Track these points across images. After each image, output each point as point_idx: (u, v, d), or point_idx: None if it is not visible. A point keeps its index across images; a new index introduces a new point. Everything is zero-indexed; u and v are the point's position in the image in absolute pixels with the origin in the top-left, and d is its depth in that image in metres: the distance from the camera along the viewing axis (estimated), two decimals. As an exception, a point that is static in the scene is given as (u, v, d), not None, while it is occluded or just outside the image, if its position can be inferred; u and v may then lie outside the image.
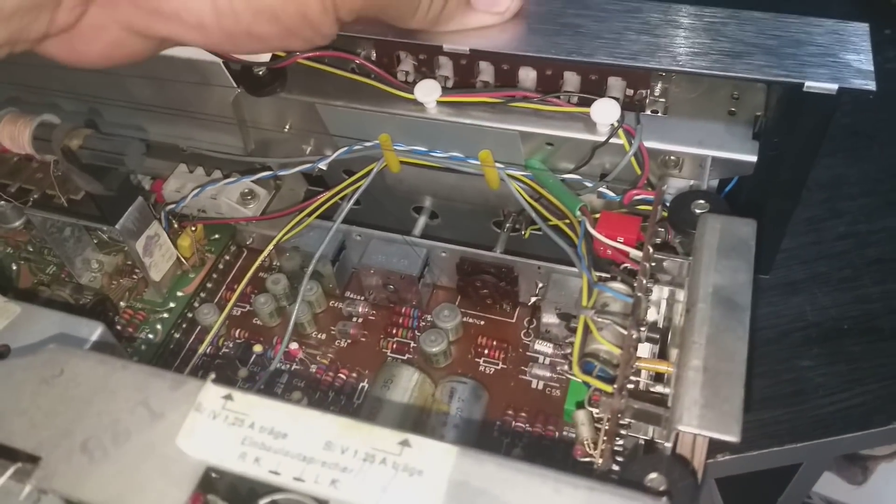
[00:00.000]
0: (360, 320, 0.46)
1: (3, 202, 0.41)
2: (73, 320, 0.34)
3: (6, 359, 0.29)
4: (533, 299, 0.42)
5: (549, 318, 0.42)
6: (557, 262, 0.42)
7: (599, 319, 0.31)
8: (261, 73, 0.41)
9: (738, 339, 0.27)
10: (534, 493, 0.23)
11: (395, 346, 0.44)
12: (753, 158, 0.35)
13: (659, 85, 0.38)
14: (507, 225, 0.44)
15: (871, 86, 0.31)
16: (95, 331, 0.33)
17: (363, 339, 0.45)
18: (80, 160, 0.36)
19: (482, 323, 0.45)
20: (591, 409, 0.30)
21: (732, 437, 0.25)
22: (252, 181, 0.46)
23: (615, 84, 0.37)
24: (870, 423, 0.43)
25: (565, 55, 0.35)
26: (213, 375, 0.26)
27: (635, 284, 0.30)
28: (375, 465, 0.24)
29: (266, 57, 0.40)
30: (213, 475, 0.25)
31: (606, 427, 0.28)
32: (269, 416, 0.26)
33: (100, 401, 0.27)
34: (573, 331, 0.33)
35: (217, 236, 0.48)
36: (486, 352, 0.43)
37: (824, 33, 0.34)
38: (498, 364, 0.43)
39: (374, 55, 0.41)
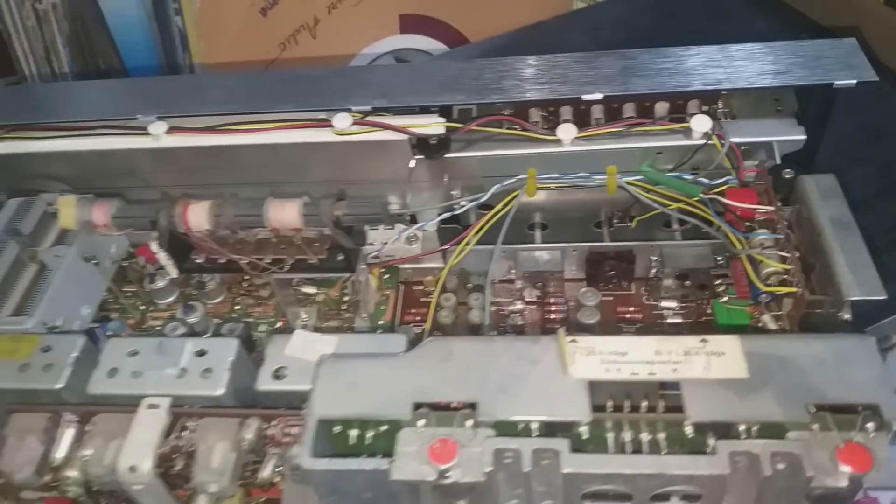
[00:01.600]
0: (524, 312, 0.59)
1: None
2: (381, 337, 0.46)
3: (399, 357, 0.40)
4: (653, 271, 0.57)
5: (668, 282, 0.57)
6: (664, 240, 0.57)
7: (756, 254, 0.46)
8: (434, 142, 0.54)
9: (859, 242, 0.43)
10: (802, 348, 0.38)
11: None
12: (803, 137, 0.52)
13: (721, 101, 0.54)
14: (615, 221, 0.59)
15: (875, 77, 0.49)
16: (402, 340, 0.45)
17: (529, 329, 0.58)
18: (342, 224, 0.48)
19: (611, 299, 0.59)
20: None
21: (882, 296, 0.41)
22: (417, 228, 0.58)
23: (693, 104, 0.54)
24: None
25: (671, 89, 0.51)
26: (563, 328, 0.39)
27: (777, 225, 0.46)
28: (692, 356, 0.38)
29: (440, 130, 0.53)
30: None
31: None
32: (607, 344, 0.39)
33: (490, 362, 0.39)
34: (689, 287, 0.49)
35: (388, 276, 0.60)
36: (627, 316, 0.57)
37: (829, 49, 0.52)
38: (638, 325, 0.57)
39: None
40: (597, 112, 0.55)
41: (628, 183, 0.55)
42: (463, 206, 0.56)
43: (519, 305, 0.59)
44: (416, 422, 0.37)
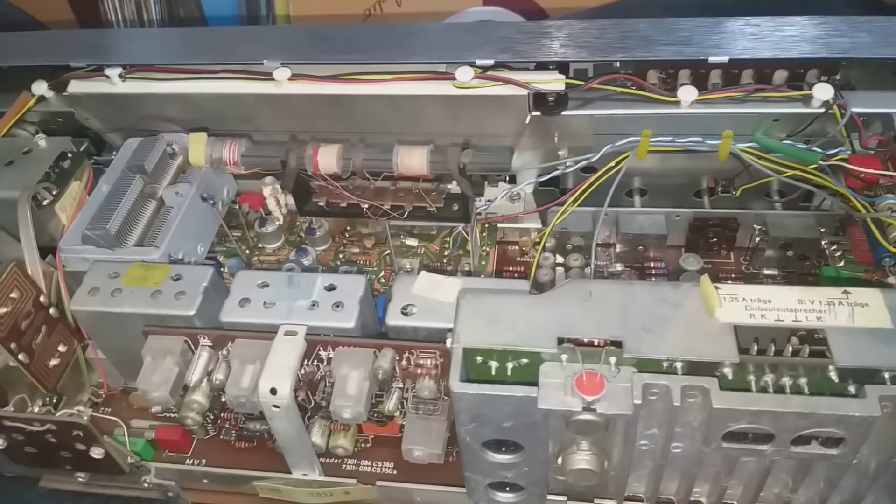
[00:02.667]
0: (622, 275, 0.59)
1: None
2: (505, 282, 0.47)
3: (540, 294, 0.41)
4: (757, 240, 0.58)
5: (770, 252, 0.57)
6: (768, 209, 0.57)
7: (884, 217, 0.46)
8: (552, 98, 0.55)
9: None
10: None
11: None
12: (924, 109, 0.52)
13: (840, 72, 0.55)
14: (719, 189, 0.60)
15: None
16: (525, 284, 0.46)
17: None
18: (467, 173, 0.49)
19: (710, 266, 0.60)
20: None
21: None
22: (523, 186, 0.59)
23: (812, 73, 0.54)
24: None
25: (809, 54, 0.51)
26: (706, 275, 0.40)
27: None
28: (836, 306, 0.39)
29: (560, 86, 0.54)
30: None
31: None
32: (750, 292, 0.40)
33: (632, 304, 0.40)
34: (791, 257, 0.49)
35: (486, 233, 0.61)
36: (728, 282, 0.58)
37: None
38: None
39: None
40: (714, 77, 0.55)
41: (741, 150, 0.56)
42: (571, 167, 0.57)
43: (619, 267, 0.60)
44: (560, 356, 0.38)
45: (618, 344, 0.38)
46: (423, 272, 0.47)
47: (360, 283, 0.47)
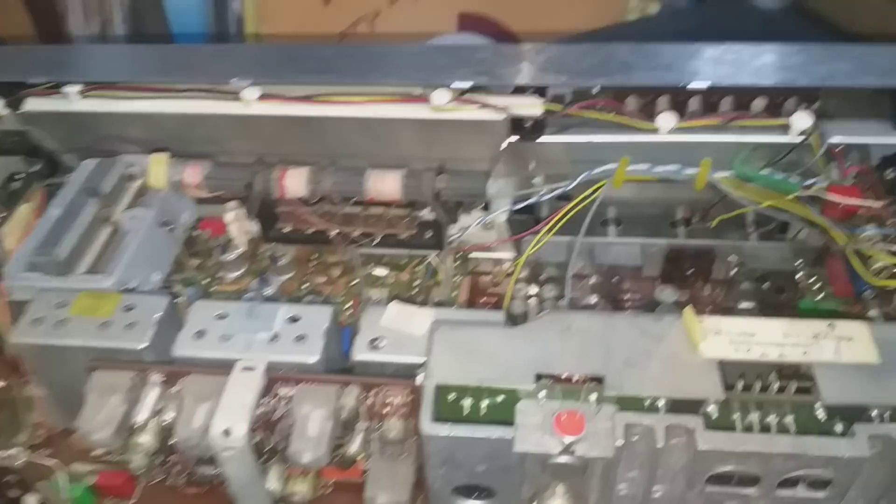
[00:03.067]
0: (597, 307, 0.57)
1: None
2: (479, 313, 0.45)
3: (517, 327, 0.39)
4: (734, 271, 0.56)
5: (747, 284, 0.56)
6: (744, 241, 0.56)
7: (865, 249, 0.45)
8: (529, 123, 0.53)
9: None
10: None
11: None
12: (896, 140, 0.52)
13: (819, 101, 0.54)
14: (694, 220, 0.58)
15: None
16: (499, 316, 0.44)
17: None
18: (441, 199, 0.47)
19: (686, 298, 0.58)
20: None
21: None
22: (499, 213, 0.57)
23: (792, 101, 0.53)
24: None
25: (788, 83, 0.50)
26: (689, 307, 0.38)
27: (887, 221, 0.45)
28: (821, 340, 0.37)
29: (538, 111, 0.52)
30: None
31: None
32: (734, 325, 0.38)
33: (613, 337, 0.38)
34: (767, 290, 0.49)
35: (458, 262, 0.59)
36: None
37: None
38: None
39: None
40: (693, 105, 0.54)
41: (719, 179, 0.54)
42: (549, 193, 0.55)
43: (594, 299, 0.58)
44: (537, 393, 0.36)
45: (598, 380, 0.36)
46: (392, 303, 0.45)
47: (326, 314, 0.45)
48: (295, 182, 0.50)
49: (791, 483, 0.35)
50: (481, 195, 0.51)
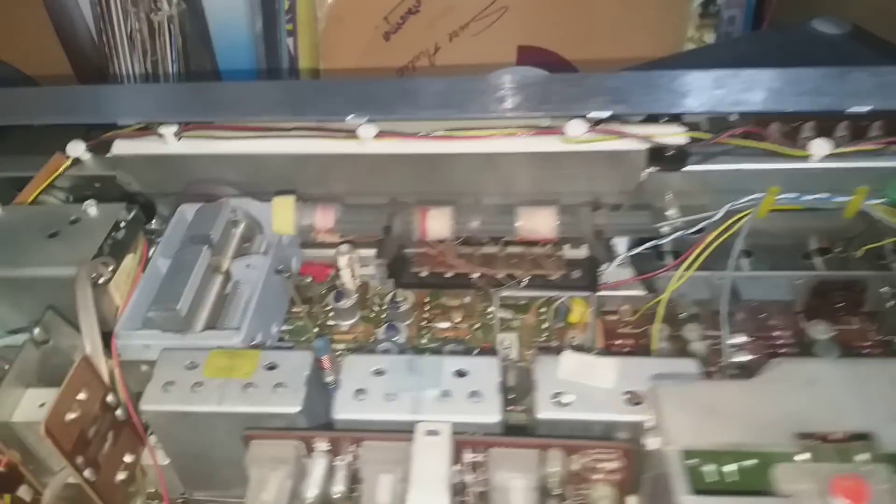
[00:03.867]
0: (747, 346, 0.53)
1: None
2: (669, 362, 0.40)
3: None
4: (890, 303, 0.53)
5: (904, 317, 0.53)
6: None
7: None
8: (671, 152, 0.50)
9: None
10: None
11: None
12: None
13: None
14: (836, 250, 0.55)
15: None
16: (693, 365, 0.40)
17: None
18: (603, 236, 0.43)
19: (836, 333, 0.55)
20: None
21: None
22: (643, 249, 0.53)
23: (944, 126, 0.51)
24: None
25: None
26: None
27: None
28: None
29: (682, 139, 0.49)
30: None
31: None
32: None
33: (863, 387, 0.34)
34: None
35: (587, 303, 0.55)
36: (865, 351, 0.53)
37: None
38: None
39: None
40: (840, 130, 0.51)
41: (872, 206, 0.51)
42: (693, 227, 0.52)
43: (741, 338, 0.54)
44: (796, 454, 0.31)
45: (864, 437, 0.32)
46: (566, 352, 0.41)
47: (494, 367, 0.40)
48: (438, 223, 0.46)
49: None
50: (647, 231, 0.47)
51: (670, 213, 0.54)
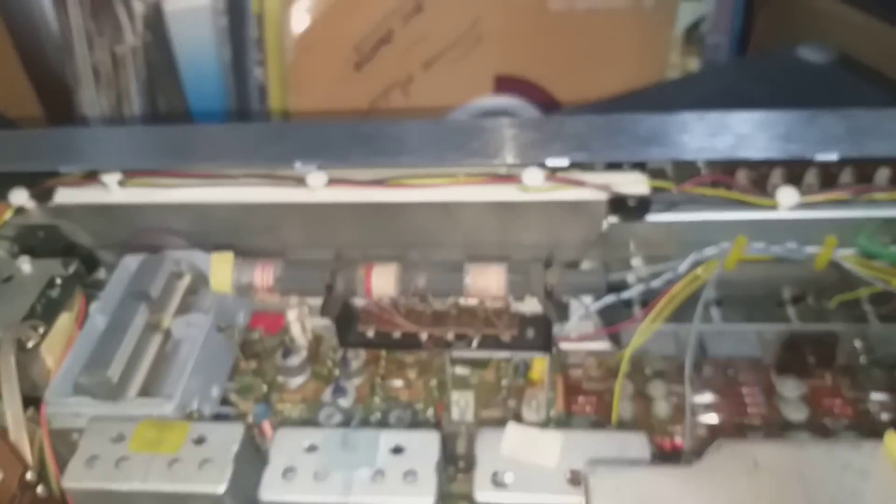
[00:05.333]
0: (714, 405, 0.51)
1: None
2: (617, 436, 0.38)
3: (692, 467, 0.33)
4: (862, 357, 0.50)
5: (877, 372, 0.50)
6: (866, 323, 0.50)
7: None
8: (633, 203, 0.47)
9: None
10: None
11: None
12: None
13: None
14: (809, 300, 0.53)
15: None
16: (643, 441, 0.38)
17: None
18: (554, 295, 0.41)
19: (805, 390, 0.52)
20: None
21: None
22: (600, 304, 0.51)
23: (919, 173, 0.48)
24: None
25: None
26: (892, 431, 0.32)
27: None
28: None
29: (644, 189, 0.47)
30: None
31: None
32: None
33: (809, 474, 0.31)
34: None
35: (549, 357, 0.53)
36: (834, 410, 0.50)
37: None
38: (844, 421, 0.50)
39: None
40: (810, 177, 0.49)
41: (844, 258, 0.49)
42: (656, 278, 0.49)
43: (708, 397, 0.52)
44: (736, 551, 0.29)
45: (806, 532, 0.30)
46: (510, 424, 0.39)
47: (434, 443, 0.38)
48: (383, 281, 0.44)
49: None
50: (600, 289, 0.45)
51: (635, 263, 0.52)
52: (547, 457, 0.37)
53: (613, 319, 0.51)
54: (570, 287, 0.44)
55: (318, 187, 0.46)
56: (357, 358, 0.50)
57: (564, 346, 0.53)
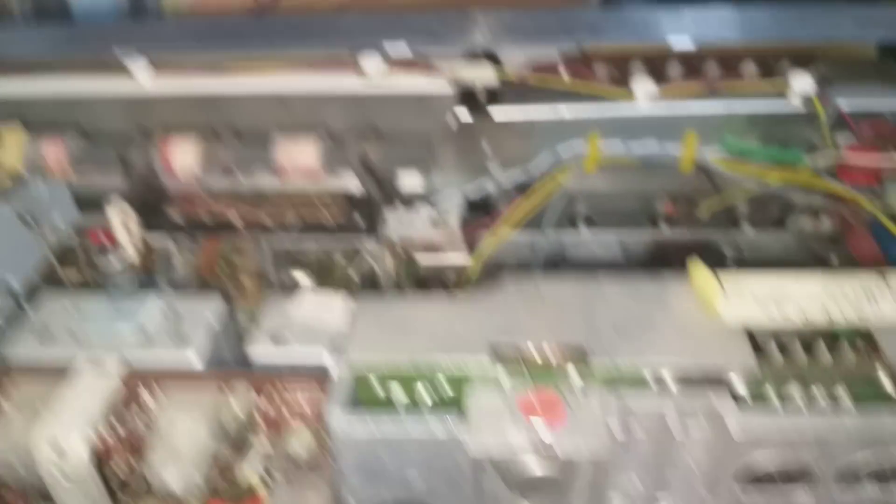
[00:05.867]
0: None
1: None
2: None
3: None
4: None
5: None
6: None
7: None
8: (480, 97, 0.44)
9: None
10: None
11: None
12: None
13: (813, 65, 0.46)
14: (679, 211, 0.49)
15: None
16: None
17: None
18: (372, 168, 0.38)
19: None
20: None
21: None
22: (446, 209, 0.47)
23: (783, 66, 0.46)
24: None
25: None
26: (697, 259, 0.29)
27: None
28: (875, 294, 0.28)
29: (492, 79, 0.44)
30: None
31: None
32: (761, 283, 0.28)
33: (598, 305, 0.28)
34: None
35: (402, 269, 0.48)
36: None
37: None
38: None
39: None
40: (672, 71, 0.46)
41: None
42: (508, 181, 0.46)
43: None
44: (493, 372, 0.25)
45: (580, 354, 0.26)
46: (305, 288, 0.35)
47: (215, 307, 0.34)
48: (183, 153, 0.39)
49: (852, 477, 0.25)
50: (424, 161, 0.41)
51: (491, 166, 0.49)
52: (336, 318, 0.32)
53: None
54: (389, 158, 0.40)
55: (142, 77, 0.42)
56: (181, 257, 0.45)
57: (424, 260, 0.49)
